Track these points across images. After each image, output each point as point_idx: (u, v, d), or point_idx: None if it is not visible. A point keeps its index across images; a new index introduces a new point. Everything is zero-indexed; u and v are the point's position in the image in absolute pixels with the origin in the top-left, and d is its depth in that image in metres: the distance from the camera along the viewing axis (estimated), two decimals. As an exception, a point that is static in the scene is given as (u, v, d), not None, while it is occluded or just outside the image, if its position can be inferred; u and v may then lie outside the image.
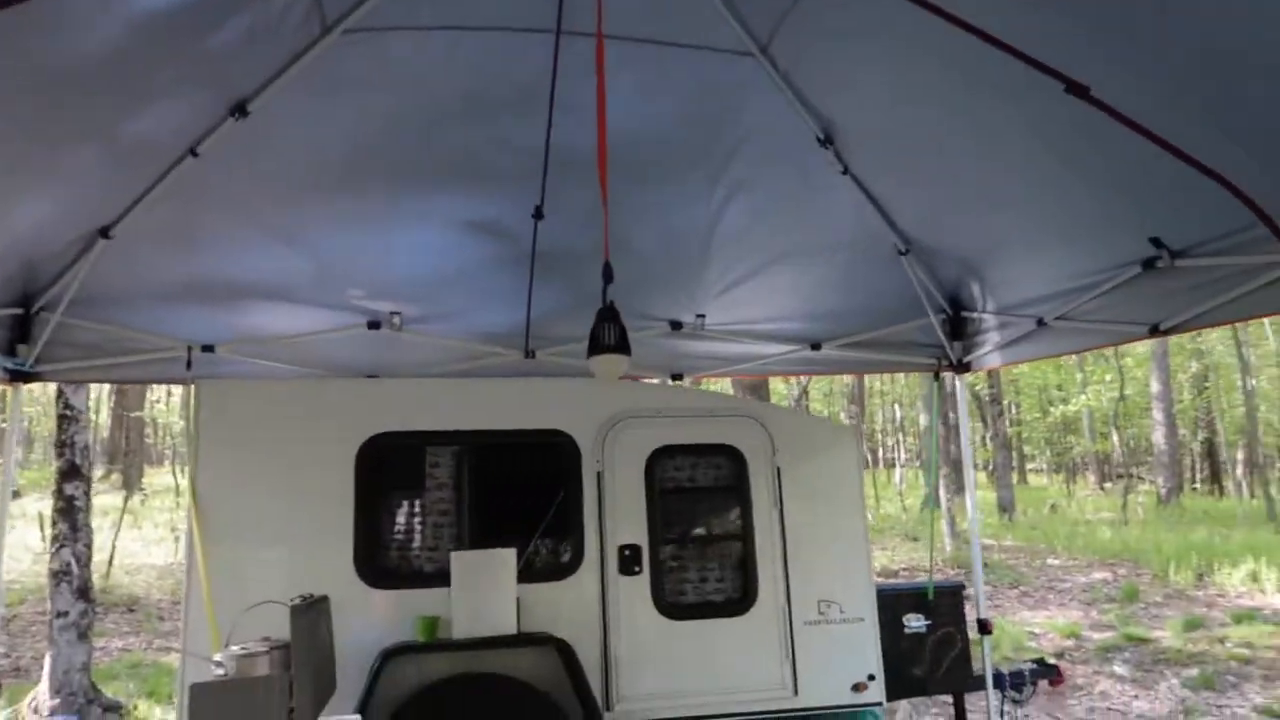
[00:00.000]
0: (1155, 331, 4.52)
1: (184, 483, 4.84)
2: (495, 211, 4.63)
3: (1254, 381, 25.75)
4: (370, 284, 4.96)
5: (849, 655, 5.27)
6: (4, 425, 8.99)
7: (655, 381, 6.35)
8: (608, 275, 3.18)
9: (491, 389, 5.23)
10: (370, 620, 4.77)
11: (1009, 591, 12.18)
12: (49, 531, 9.25)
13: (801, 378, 24.20)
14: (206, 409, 4.86)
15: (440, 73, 3.89)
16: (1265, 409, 29.15)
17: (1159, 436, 25.72)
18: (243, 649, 3.67)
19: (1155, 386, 26.08)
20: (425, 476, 5.13)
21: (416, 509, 5.14)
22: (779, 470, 5.38)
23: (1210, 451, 32.79)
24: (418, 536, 5.09)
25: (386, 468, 5.08)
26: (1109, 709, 8.35)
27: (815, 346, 6.05)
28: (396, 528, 5.12)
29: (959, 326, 5.89)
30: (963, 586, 6.07)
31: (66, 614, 8.52)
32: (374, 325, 5.32)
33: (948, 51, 3.73)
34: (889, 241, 5.31)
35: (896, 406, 40.15)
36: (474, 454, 5.13)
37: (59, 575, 8.57)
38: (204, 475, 4.78)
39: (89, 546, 8.87)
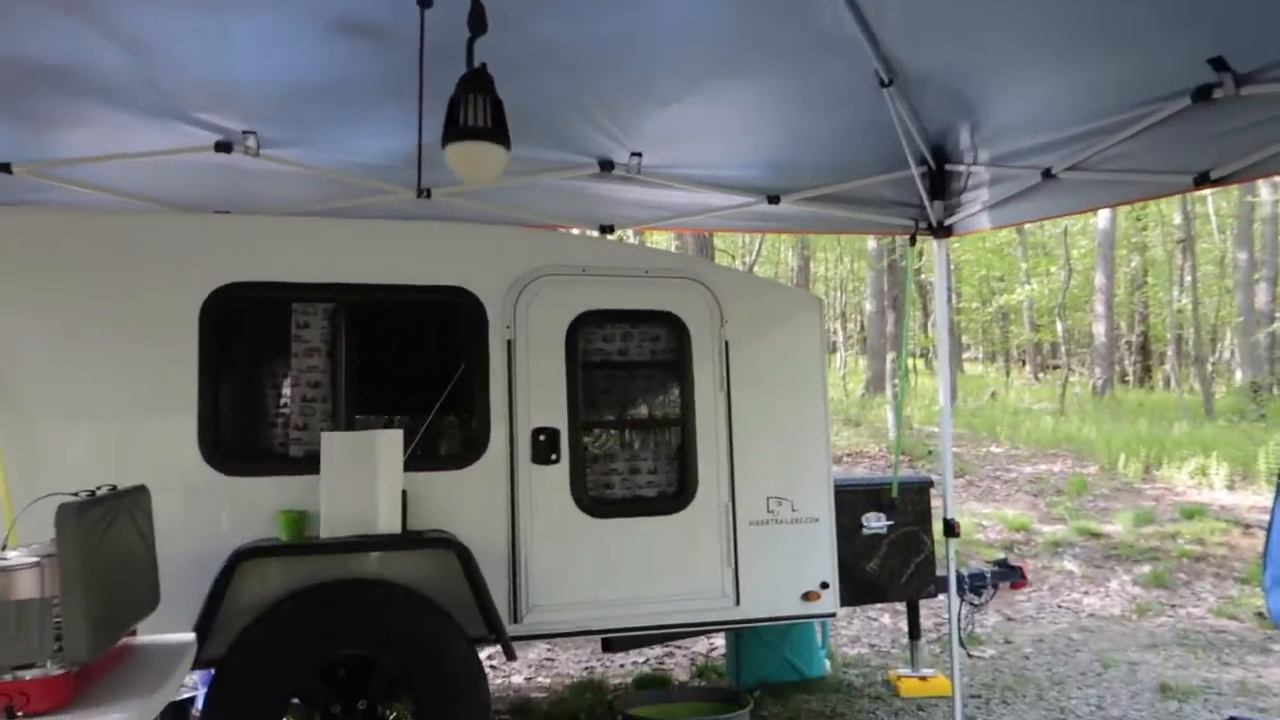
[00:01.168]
0: (1203, 182, 3.65)
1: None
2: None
3: (1197, 275, 25.60)
4: (209, 89, 3.80)
5: (800, 560, 4.54)
6: None
7: (580, 233, 5.36)
8: (476, 24, 2.14)
9: (377, 233, 4.21)
10: (219, 515, 3.87)
11: (955, 481, 11.74)
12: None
13: (748, 255, 23.33)
14: None
15: None
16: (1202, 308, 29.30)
17: (1099, 329, 25.59)
18: (2, 559, 2.72)
19: (1099, 279, 25.80)
20: (291, 339, 4.15)
21: (280, 379, 4.17)
22: (727, 344, 4.52)
23: (1144, 345, 33.10)
24: (281, 413, 4.14)
25: (241, 327, 4.10)
26: (1059, 605, 7.92)
27: (773, 199, 5.09)
28: (254, 402, 4.15)
29: (942, 183, 4.97)
30: (930, 483, 5.36)
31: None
32: (224, 148, 4.19)
33: None
34: (869, 67, 4.28)
35: (839, 292, 39.72)
36: (354, 313, 4.15)
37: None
38: (-4, 330, 3.73)
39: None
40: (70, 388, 3.77)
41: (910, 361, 27.11)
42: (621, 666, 6.36)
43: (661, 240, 18.05)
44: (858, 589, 5.02)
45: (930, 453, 13.38)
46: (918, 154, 4.76)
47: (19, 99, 3.77)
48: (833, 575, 4.58)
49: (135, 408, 3.83)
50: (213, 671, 3.70)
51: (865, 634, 7.16)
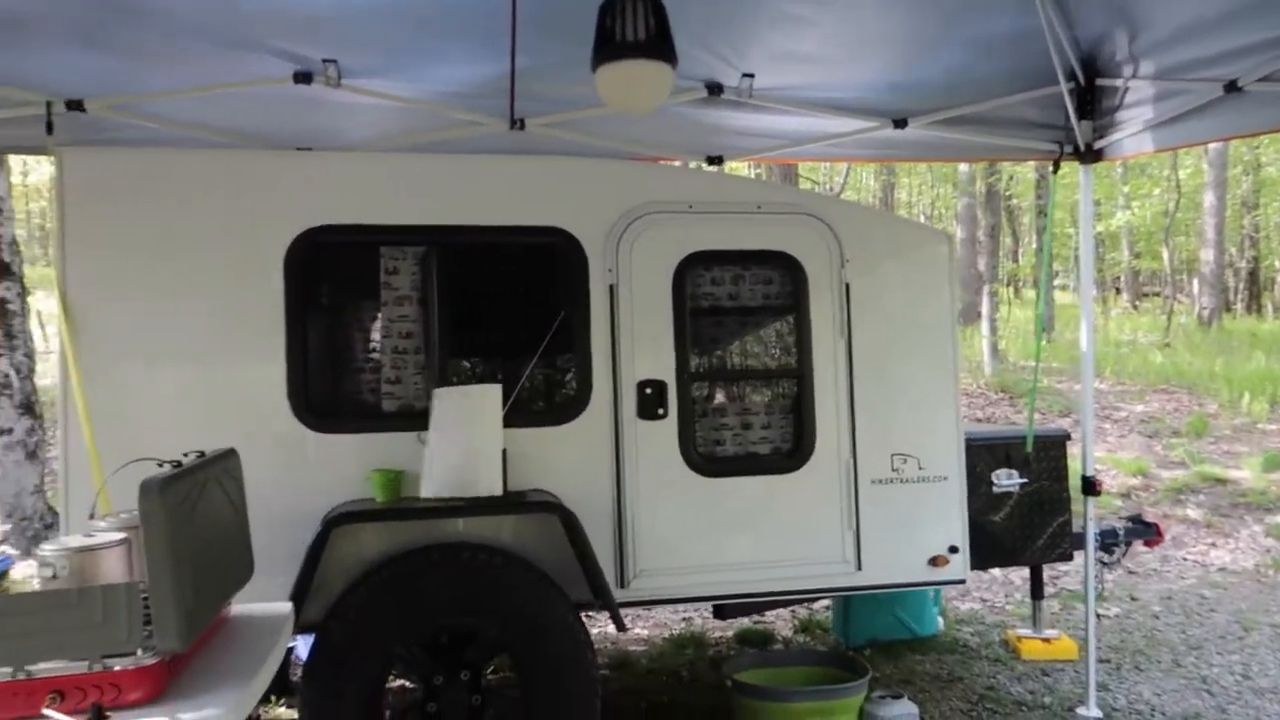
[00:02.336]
0: None
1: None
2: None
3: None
4: (289, 13, 3.47)
5: (927, 522, 4.17)
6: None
7: (686, 166, 4.94)
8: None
9: (468, 169, 3.88)
10: (312, 474, 3.65)
11: (1060, 421, 11.14)
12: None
13: (832, 184, 22.46)
14: (76, 187, 3.55)
15: None
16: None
17: (1208, 254, 24.10)
18: (87, 537, 2.52)
19: (1209, 200, 24.21)
20: (381, 286, 3.87)
21: (370, 329, 3.91)
22: (848, 286, 4.10)
23: (1253, 272, 31.28)
24: (373, 365, 3.89)
25: (327, 273, 3.83)
26: (1185, 559, 7.41)
27: (900, 123, 4.58)
28: (344, 354, 3.91)
29: (1091, 100, 4.40)
30: (1068, 436, 4.90)
31: (10, 431, 7.55)
32: (303, 78, 3.87)
33: None
34: (1019, -32, 3.73)
35: (924, 219, 38.34)
36: (445, 257, 3.85)
37: (-3, 389, 7.54)
38: (76, 279, 3.53)
39: (30, 355, 7.78)
40: (155, 340, 3.56)
41: (1001, 290, 26.03)
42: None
43: (742, 172, 17.34)
44: (987, 552, 4.63)
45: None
46: (1066, 67, 4.19)
47: (91, 33, 3.49)
48: (963, 539, 4.21)
49: (222, 361, 3.61)
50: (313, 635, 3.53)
51: (976, 587, 6.79)
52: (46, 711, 2.07)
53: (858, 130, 4.63)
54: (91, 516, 2.83)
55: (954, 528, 4.19)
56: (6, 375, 7.55)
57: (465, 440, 3.55)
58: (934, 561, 4.17)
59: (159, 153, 3.78)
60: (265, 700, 4.68)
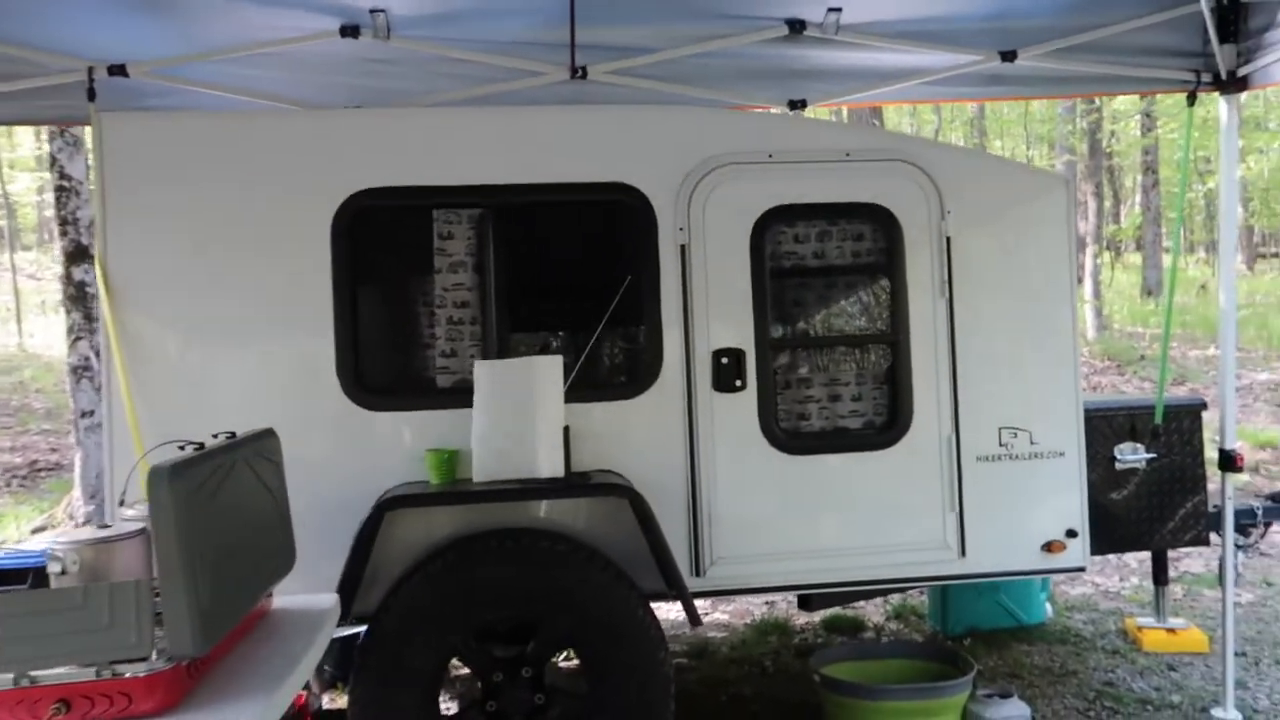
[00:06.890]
0: None
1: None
2: None
3: None
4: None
5: (1041, 504, 3.74)
6: None
7: (767, 112, 4.53)
8: None
9: (527, 123, 3.57)
10: (362, 455, 3.41)
11: (1174, 390, 10.39)
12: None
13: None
14: (115, 153, 3.36)
15: None
16: None
17: (1334, 209, 22.43)
18: (102, 528, 2.30)
19: (1336, 151, 22.50)
20: (434, 251, 3.60)
21: (423, 298, 3.65)
22: (949, 240, 3.67)
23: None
24: (426, 337, 3.63)
25: (377, 239, 3.57)
26: (1324, 541, 6.71)
27: (1008, 56, 4.09)
28: (396, 325, 3.66)
29: (1234, 20, 3.85)
30: (1203, 405, 4.38)
31: (92, 413, 7.60)
32: (350, 31, 3.60)
33: None
34: None
35: (1030, 153, 36.65)
36: (502, 219, 3.55)
37: (79, 371, 7.60)
38: (117, 250, 3.34)
39: (110, 337, 7.84)
40: (198, 313, 3.36)
41: (1106, 255, 24.72)
42: (807, 602, 5.75)
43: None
44: (1108, 535, 4.16)
45: (1143, 358, 11.94)
46: (1205, -17, 3.66)
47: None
48: (1082, 522, 3.76)
49: (267, 335, 3.39)
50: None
51: (1088, 570, 6.25)
52: (49, 724, 1.85)
53: (960, 65, 4.15)
54: (122, 503, 2.64)
55: (1072, 510, 3.74)
56: (87, 358, 7.59)
57: (524, 417, 3.26)
58: (1049, 547, 3.73)
59: (200, 116, 3.58)
60: (333, 686, 4.53)
